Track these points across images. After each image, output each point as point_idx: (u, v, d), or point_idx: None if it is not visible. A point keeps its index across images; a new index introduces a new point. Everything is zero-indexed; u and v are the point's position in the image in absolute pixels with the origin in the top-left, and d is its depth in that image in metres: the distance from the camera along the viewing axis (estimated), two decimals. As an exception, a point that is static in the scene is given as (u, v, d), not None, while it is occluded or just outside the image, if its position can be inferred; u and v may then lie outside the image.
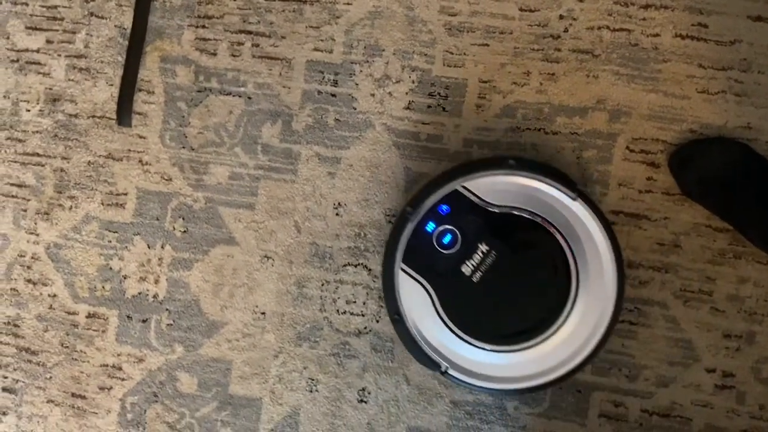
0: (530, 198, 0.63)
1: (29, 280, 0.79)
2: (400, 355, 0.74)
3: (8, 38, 0.79)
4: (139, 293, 0.77)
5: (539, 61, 0.71)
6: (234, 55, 0.76)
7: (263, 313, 0.76)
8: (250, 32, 0.76)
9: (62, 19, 0.78)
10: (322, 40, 0.75)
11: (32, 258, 0.78)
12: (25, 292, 0.79)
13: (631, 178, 0.71)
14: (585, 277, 0.62)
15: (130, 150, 0.77)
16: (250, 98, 0.76)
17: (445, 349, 0.64)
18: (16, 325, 0.79)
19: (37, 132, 0.79)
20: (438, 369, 0.64)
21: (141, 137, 0.77)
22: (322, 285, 0.74)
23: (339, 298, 0.74)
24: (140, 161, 0.77)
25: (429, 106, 0.73)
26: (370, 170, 0.74)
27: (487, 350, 0.64)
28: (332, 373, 0.74)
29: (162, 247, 0.77)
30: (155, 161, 0.77)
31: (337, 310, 0.74)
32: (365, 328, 0.74)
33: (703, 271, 0.70)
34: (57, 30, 0.78)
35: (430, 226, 0.64)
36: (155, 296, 0.77)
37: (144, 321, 0.77)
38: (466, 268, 0.63)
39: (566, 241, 0.62)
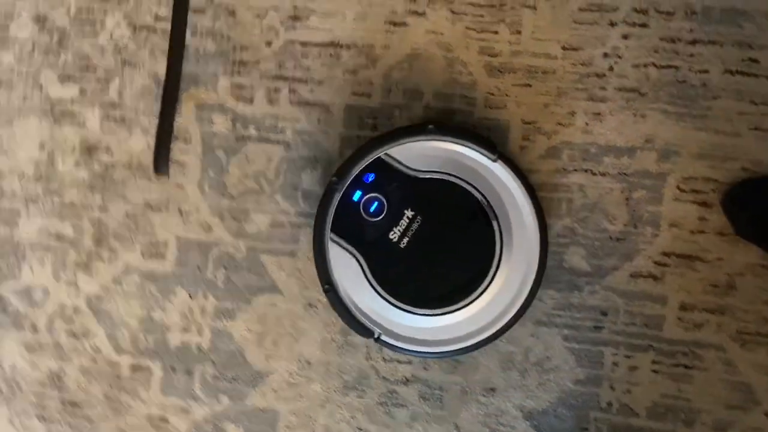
0: (452, 162, 0.66)
1: (71, 333, 0.78)
2: (449, 403, 0.73)
3: (41, 89, 0.78)
4: (183, 344, 0.76)
5: (584, 101, 0.70)
6: (271, 102, 0.75)
7: (309, 362, 0.75)
8: (286, 78, 0.75)
9: (95, 69, 0.78)
10: (360, 85, 0.73)
11: (73, 311, 0.78)
12: (68, 345, 0.78)
13: (682, 219, 0.69)
14: (508, 237, 0.65)
15: (168, 200, 0.77)
16: (289, 145, 0.75)
17: (377, 316, 0.67)
18: (59, 379, 0.79)
19: (74, 183, 0.78)
20: (372, 335, 0.67)
21: (179, 186, 0.77)
22: (368, 333, 0.74)
23: (384, 348, 0.73)
24: (179, 211, 0.76)
25: (472, 149, 0.72)
26: (414, 215, 0.73)
27: (418, 314, 0.67)
28: (381, 422, 0.74)
29: (204, 297, 0.76)
30: (195, 210, 0.76)
31: (383, 358, 0.73)
32: (412, 376, 0.73)
33: (760, 313, 0.68)
34: (90, 80, 0.78)
35: (357, 195, 0.67)
36: (199, 347, 0.76)
37: (188, 372, 0.76)
38: (393, 235, 0.66)
39: (488, 202, 0.66)
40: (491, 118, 0.71)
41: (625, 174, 0.69)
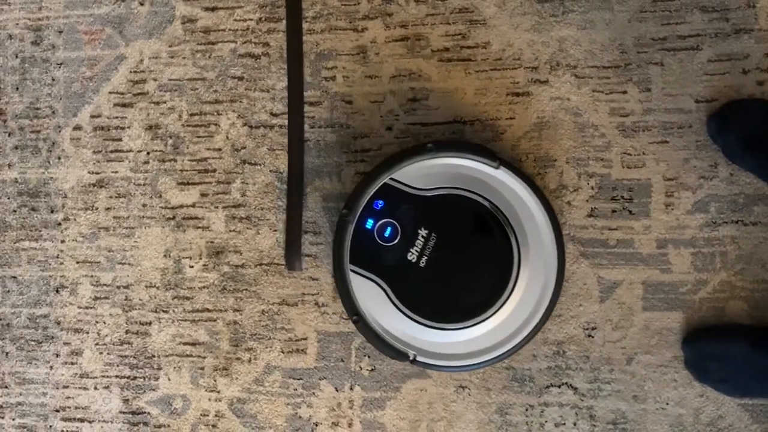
0: (456, 176, 0.68)
1: (218, 440, 0.77)
2: (623, 474, 0.71)
3: (161, 197, 0.78)
4: (334, 440, 0.75)
5: (716, 151, 0.69)
6: (398, 185, 0.74)
7: (468, 446, 0.73)
8: (412, 159, 0.74)
9: (214, 171, 0.77)
10: (488, 158, 0.73)
11: (216, 416, 0.77)
12: (216, 453, 0.77)
13: None
14: (524, 240, 0.66)
15: (303, 293, 0.76)
16: (421, 226, 0.74)
17: (409, 338, 0.68)
18: (210, 488, 0.77)
19: (204, 287, 0.77)
20: (407, 358, 0.68)
21: (313, 279, 0.76)
22: (526, 410, 0.71)
23: (546, 422, 0.71)
24: (316, 303, 0.75)
25: (614, 211, 0.70)
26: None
27: (449, 330, 0.67)
28: (554, 501, 0.72)
29: (351, 389, 0.75)
30: (332, 302, 0.75)
31: (547, 434, 0.72)
32: (580, 449, 0.71)
33: None
34: (210, 182, 0.77)
35: (369, 223, 0.68)
36: (352, 441, 0.75)
37: (344, 468, 0.75)
38: (412, 256, 0.67)
39: (498, 208, 0.67)
40: (630, 178, 0.70)
41: (778, 221, 0.68)
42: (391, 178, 0.67)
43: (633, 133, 0.70)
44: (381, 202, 0.67)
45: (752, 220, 0.69)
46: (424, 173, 0.67)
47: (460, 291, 0.66)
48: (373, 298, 0.67)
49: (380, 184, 0.67)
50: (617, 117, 0.71)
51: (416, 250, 0.66)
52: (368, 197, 0.67)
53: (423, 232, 0.66)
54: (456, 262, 0.66)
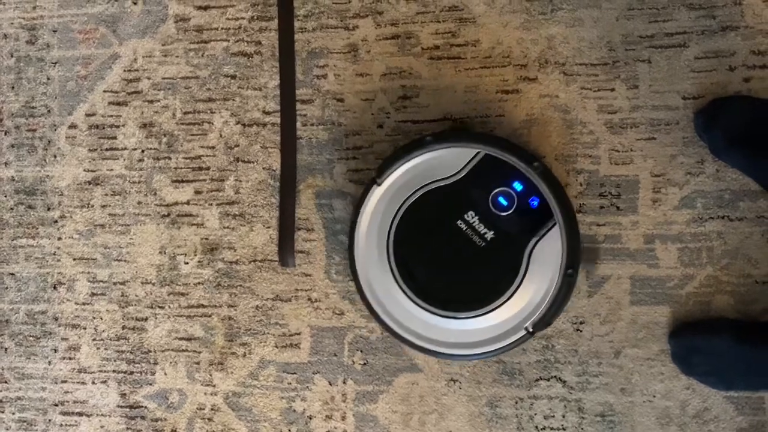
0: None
1: (214, 433, 0.79)
2: (611, 465, 0.72)
3: (156, 194, 0.79)
4: (328, 432, 0.76)
5: (702, 147, 0.69)
6: (390, 182, 0.75)
7: (459, 438, 0.74)
8: (403, 157, 0.75)
9: (208, 169, 0.78)
10: (478, 155, 0.74)
11: (212, 409, 0.78)
12: (212, 445, 0.79)
13: (829, 255, 0.69)
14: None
15: (297, 289, 0.77)
16: (412, 222, 0.75)
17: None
18: (207, 480, 0.79)
19: (199, 283, 0.78)
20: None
21: (306, 275, 0.77)
22: (516, 403, 0.73)
23: (536, 414, 0.72)
24: (309, 299, 0.76)
25: (602, 207, 0.71)
26: (549, 279, 0.73)
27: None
28: (543, 492, 0.73)
29: (344, 383, 0.76)
30: (324, 297, 0.76)
31: (536, 427, 0.72)
32: (568, 441, 0.73)
33: None
34: (204, 180, 0.78)
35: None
36: (345, 434, 0.76)
37: (337, 460, 0.76)
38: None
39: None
40: (618, 174, 0.71)
41: (763, 217, 0.69)
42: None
43: (621, 130, 0.71)
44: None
45: (738, 215, 0.70)
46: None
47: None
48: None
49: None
50: (605, 114, 0.71)
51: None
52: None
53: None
54: (475, 248, 0.66)
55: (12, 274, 0.82)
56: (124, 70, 0.80)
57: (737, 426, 0.70)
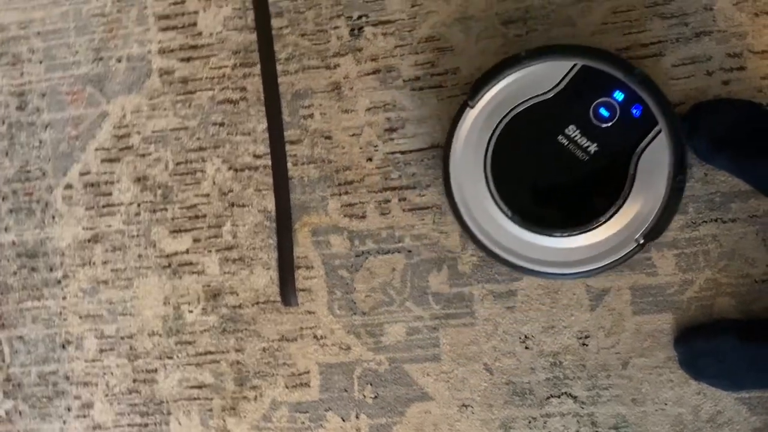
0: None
1: (232, 479, 0.79)
2: (630, 477, 0.72)
3: (155, 246, 0.80)
4: (345, 468, 0.76)
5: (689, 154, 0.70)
6: (384, 214, 0.76)
7: (476, 463, 0.74)
8: (394, 188, 0.76)
9: (204, 216, 0.79)
10: (468, 180, 0.75)
11: (229, 455, 0.79)
12: (231, 491, 0.79)
13: (825, 249, 0.69)
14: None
15: (302, 328, 0.77)
16: (410, 252, 0.76)
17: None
18: None
19: (204, 331, 0.79)
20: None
21: (310, 313, 0.77)
22: (529, 423, 0.73)
23: None
24: (315, 336, 0.77)
25: (594, 221, 0.72)
26: (550, 296, 0.73)
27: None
28: None
29: (357, 417, 0.76)
30: (330, 333, 0.77)
31: (552, 444, 0.73)
32: (585, 456, 0.73)
33: None
34: (201, 227, 0.79)
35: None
36: (362, 468, 0.76)
37: (357, 495, 0.76)
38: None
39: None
40: (607, 187, 0.72)
41: (756, 216, 0.69)
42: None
43: (606, 143, 0.72)
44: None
45: (730, 217, 0.70)
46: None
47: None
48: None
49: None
50: (589, 128, 0.72)
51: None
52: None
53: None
54: (578, 165, 0.64)
55: (20, 337, 0.83)
56: (114, 127, 0.81)
57: (751, 426, 0.70)
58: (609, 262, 0.65)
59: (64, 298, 0.82)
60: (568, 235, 0.65)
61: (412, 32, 0.75)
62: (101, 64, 0.81)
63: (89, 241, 0.82)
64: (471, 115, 0.67)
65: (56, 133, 0.82)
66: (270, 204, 0.78)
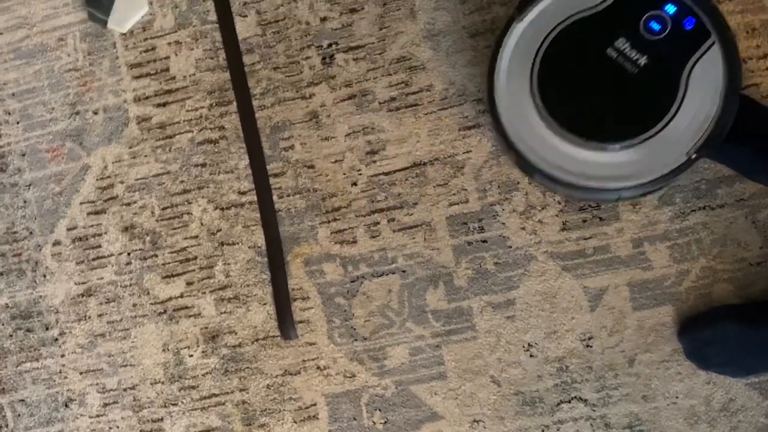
0: None
1: None
2: (650, 476, 0.71)
3: (149, 293, 0.80)
4: (363, 498, 0.75)
5: (676, 142, 0.71)
6: (374, 236, 0.76)
7: (494, 478, 0.73)
8: (381, 210, 0.76)
9: (195, 258, 0.79)
10: (454, 194, 0.74)
11: (243, 497, 0.77)
12: None
13: (815, 224, 0.69)
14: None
15: (304, 360, 0.76)
16: (404, 271, 0.75)
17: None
18: None
19: (207, 374, 0.78)
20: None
21: (311, 344, 0.77)
22: (542, 431, 0.72)
23: (565, 438, 0.72)
24: (318, 367, 0.76)
25: (584, 221, 0.72)
26: (549, 301, 0.73)
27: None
28: None
29: (368, 445, 0.75)
30: (333, 363, 0.76)
31: (568, 451, 0.72)
32: (603, 459, 0.72)
33: None
34: (193, 270, 0.79)
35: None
36: (379, 496, 0.75)
37: None
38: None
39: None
40: (593, 186, 0.72)
41: (742, 199, 0.69)
42: None
43: (586, 143, 0.72)
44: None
45: (718, 203, 0.70)
46: None
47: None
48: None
49: None
50: (568, 130, 0.73)
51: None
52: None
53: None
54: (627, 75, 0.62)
55: (22, 400, 0.82)
56: (97, 179, 0.81)
57: (765, 411, 0.69)
58: (659, 176, 0.62)
59: (62, 355, 0.81)
60: (619, 149, 0.63)
61: (383, 54, 0.76)
62: (78, 118, 0.82)
63: (82, 295, 0.81)
64: (518, 30, 0.65)
65: (40, 191, 0.82)
66: (260, 239, 0.78)
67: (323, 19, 0.77)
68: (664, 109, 0.62)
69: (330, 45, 0.77)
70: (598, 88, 0.64)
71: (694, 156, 0.62)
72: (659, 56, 0.63)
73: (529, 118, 0.65)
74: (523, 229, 0.73)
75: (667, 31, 0.63)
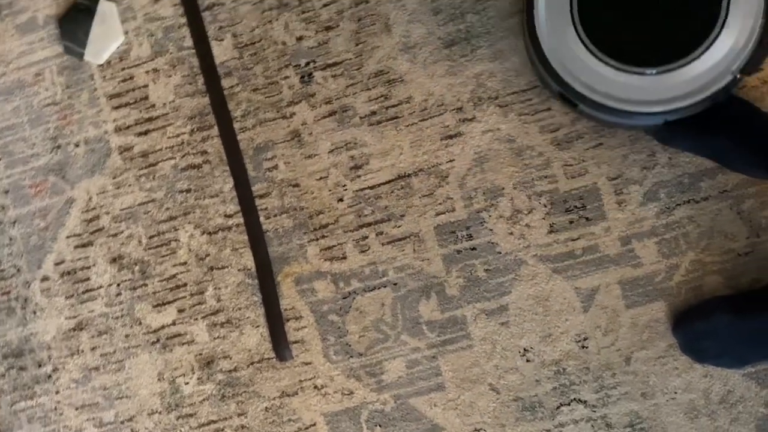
0: None
1: None
2: (655, 473, 0.71)
3: (141, 323, 0.79)
4: None
5: (649, 141, 0.71)
6: (363, 251, 0.76)
7: (499, 486, 0.73)
8: (369, 224, 0.76)
9: (185, 285, 0.78)
10: (440, 204, 0.74)
11: None
12: None
13: (800, 211, 0.70)
14: None
15: (301, 380, 0.76)
16: (395, 284, 0.75)
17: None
18: None
19: (204, 400, 0.77)
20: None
21: (307, 364, 0.76)
22: (545, 435, 0.72)
23: (567, 441, 0.71)
24: (315, 387, 0.76)
25: (571, 222, 0.72)
26: (542, 305, 0.72)
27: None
28: None
29: (371, 462, 0.75)
30: (330, 381, 0.75)
31: (571, 454, 0.72)
32: (606, 460, 0.71)
33: None
34: (184, 296, 0.78)
35: None
36: None
37: None
38: None
39: None
40: (577, 186, 0.72)
41: (726, 191, 0.70)
42: None
43: (568, 145, 0.72)
44: None
45: (702, 195, 0.70)
46: None
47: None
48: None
49: None
50: (549, 133, 0.73)
51: None
52: None
53: None
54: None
55: (18, 440, 0.81)
56: (82, 212, 0.81)
57: (764, 400, 0.69)
58: (705, 96, 0.63)
59: (57, 392, 0.80)
60: (663, 71, 0.64)
61: (361, 69, 0.76)
62: (60, 152, 0.81)
63: (74, 329, 0.80)
64: None
65: (25, 227, 0.82)
66: (249, 261, 0.77)
67: (299, 39, 0.77)
68: (706, 31, 0.63)
69: (308, 63, 0.77)
70: (641, 11, 0.64)
71: (738, 75, 0.63)
72: None
73: (572, 47, 0.65)
74: (511, 234, 0.73)
75: None
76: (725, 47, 0.63)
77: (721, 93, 0.63)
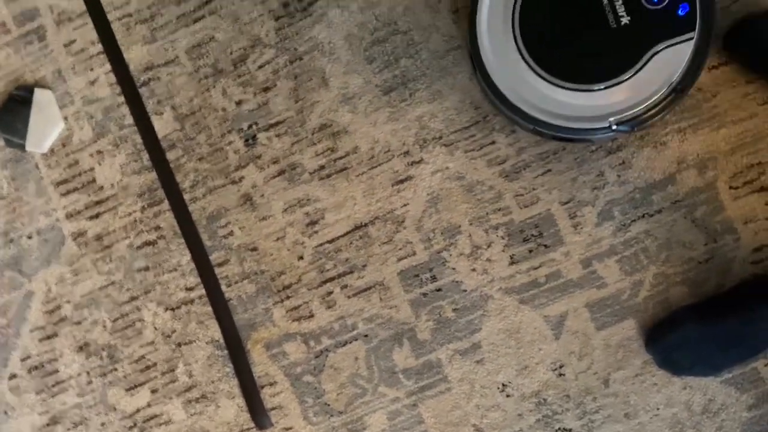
0: None
1: None
2: (649, 493, 0.70)
3: (115, 409, 0.77)
4: None
5: (606, 157, 0.71)
6: (330, 306, 0.75)
7: None
8: (332, 278, 0.75)
9: (155, 364, 0.77)
10: (400, 249, 0.74)
11: None
12: None
13: (752, 213, 0.70)
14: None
15: (284, 446, 0.75)
16: (366, 336, 0.74)
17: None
18: None
19: (188, 479, 0.76)
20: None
21: (288, 429, 0.75)
22: (535, 468, 0.71)
23: (558, 472, 0.70)
24: (299, 451, 0.75)
25: (530, 251, 0.72)
26: (513, 337, 0.72)
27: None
28: None
29: None
30: (313, 443, 0.74)
31: (564, 484, 0.71)
32: (599, 485, 0.71)
33: None
34: (156, 376, 0.77)
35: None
36: None
37: None
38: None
39: None
40: (532, 215, 0.72)
41: (678, 201, 0.70)
42: None
43: (516, 175, 0.72)
44: None
45: (655, 208, 0.71)
46: None
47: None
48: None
49: None
50: (496, 166, 0.73)
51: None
52: None
53: None
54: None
55: None
56: (43, 304, 0.79)
57: (746, 404, 0.69)
58: (578, 128, 0.65)
59: (38, 491, 0.78)
60: (567, 89, 0.65)
61: (304, 126, 0.76)
62: (13, 246, 0.80)
63: (48, 425, 0.78)
64: None
65: (-14, 326, 0.80)
66: (216, 333, 0.76)
67: (238, 103, 0.77)
68: (616, 71, 0.64)
69: (250, 126, 0.77)
70: (575, 29, 0.65)
71: (613, 127, 0.64)
72: (641, 23, 0.64)
73: (510, 55, 0.66)
74: (474, 270, 0.73)
75: (662, 5, 0.64)
76: (620, 97, 0.64)
77: (591, 133, 0.65)
